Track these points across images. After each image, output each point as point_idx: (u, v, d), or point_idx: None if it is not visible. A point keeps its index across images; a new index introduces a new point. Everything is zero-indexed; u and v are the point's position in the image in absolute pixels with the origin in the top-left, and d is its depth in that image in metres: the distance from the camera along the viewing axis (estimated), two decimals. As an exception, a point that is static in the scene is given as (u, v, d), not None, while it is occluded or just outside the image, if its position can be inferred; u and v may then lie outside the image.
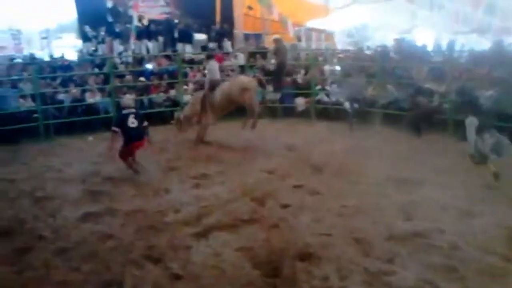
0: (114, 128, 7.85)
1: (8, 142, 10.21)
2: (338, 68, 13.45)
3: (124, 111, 8.06)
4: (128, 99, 9.25)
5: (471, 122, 7.17)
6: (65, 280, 4.71)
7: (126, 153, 7.89)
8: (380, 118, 10.51)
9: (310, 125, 11.39)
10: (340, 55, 14.51)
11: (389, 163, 7.89)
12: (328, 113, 11.88)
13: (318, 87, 12.39)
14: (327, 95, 12.31)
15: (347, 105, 11.38)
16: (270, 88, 12.41)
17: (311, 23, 18.10)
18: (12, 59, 16.22)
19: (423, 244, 5.18)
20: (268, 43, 17.77)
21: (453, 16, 18.63)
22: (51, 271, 4.86)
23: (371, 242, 5.28)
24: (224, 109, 9.93)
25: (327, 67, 13.34)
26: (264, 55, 14.71)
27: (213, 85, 9.82)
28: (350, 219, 5.94)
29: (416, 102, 10.33)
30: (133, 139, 7.79)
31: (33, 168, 8.67)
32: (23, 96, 11.47)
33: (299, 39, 17.81)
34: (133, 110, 8.10)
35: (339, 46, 16.70)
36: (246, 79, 9.81)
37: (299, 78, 12.93)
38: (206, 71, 10.62)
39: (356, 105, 10.97)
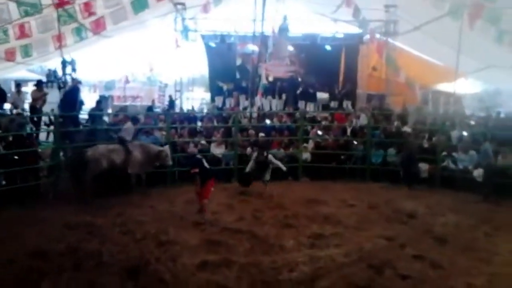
0: None
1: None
2: (466, 134, 12.74)
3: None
4: None
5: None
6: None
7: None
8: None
9: (433, 192, 10.82)
10: (470, 121, 13.74)
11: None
12: (454, 181, 11.19)
13: (444, 153, 11.78)
14: (454, 162, 11.64)
15: (476, 173, 10.68)
16: (392, 150, 12.14)
17: (439, 86, 17.51)
18: (149, 108, 17.80)
19: None
20: (392, 104, 17.53)
21: None
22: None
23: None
24: None
25: (454, 133, 12.69)
26: (387, 117, 14.48)
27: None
28: (478, 301, 5.45)
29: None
30: None
31: (159, 212, 9.15)
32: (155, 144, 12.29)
33: (425, 102, 17.31)
34: None
35: (468, 111, 15.84)
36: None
37: (424, 143, 12.42)
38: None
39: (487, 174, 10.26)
